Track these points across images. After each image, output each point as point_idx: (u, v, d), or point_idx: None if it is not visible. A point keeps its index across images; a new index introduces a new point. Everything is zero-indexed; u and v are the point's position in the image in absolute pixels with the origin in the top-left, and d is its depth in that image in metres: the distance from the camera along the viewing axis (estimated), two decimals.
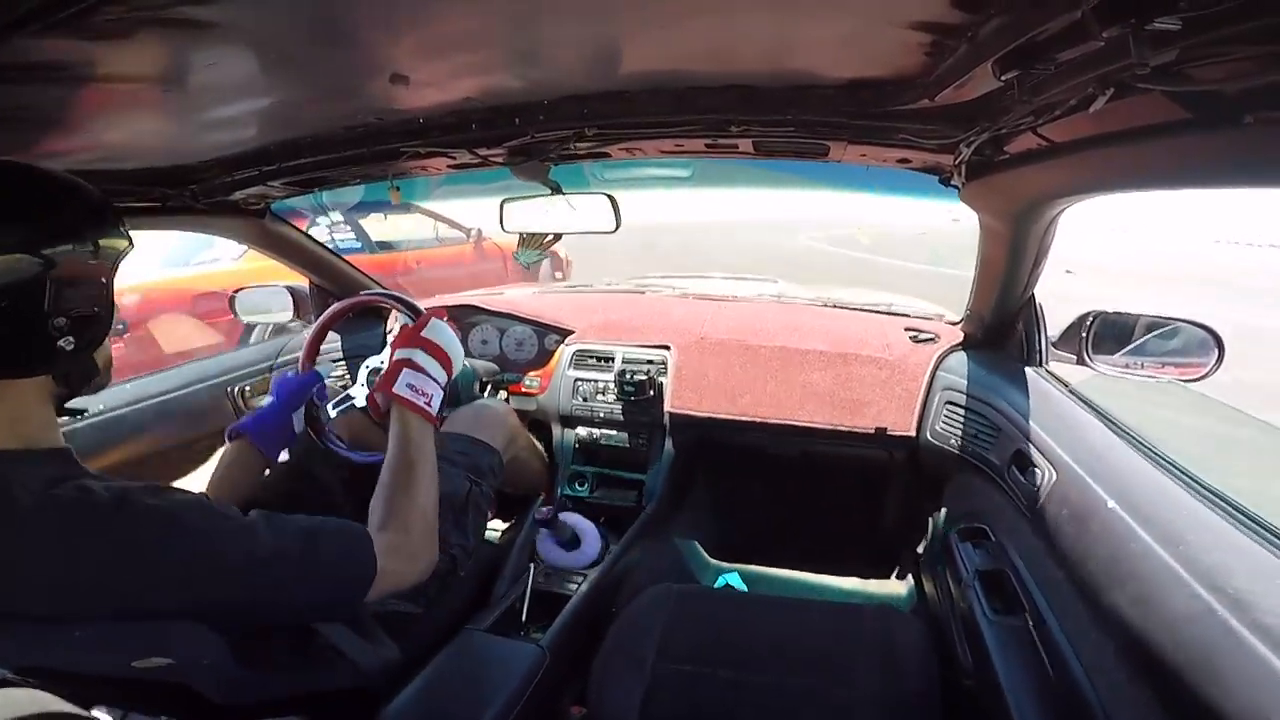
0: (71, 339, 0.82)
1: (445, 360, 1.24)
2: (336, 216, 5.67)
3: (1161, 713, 0.83)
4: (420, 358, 1.20)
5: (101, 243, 0.84)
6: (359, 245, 5.78)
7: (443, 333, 1.26)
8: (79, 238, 0.82)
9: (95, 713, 0.79)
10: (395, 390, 1.15)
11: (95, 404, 1.65)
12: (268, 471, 1.39)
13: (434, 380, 1.20)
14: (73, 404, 0.92)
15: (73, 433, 1.51)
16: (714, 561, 2.27)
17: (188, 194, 1.61)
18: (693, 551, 2.22)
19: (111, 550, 0.75)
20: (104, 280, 0.86)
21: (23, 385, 0.81)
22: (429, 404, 1.18)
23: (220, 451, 1.30)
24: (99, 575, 0.75)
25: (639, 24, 0.90)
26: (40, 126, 1.03)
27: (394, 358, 1.21)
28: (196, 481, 1.30)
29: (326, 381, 1.47)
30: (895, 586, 2.04)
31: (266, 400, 1.36)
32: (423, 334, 1.23)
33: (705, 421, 2.03)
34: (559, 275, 7.16)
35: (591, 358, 2.15)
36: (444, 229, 6.40)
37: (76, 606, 0.74)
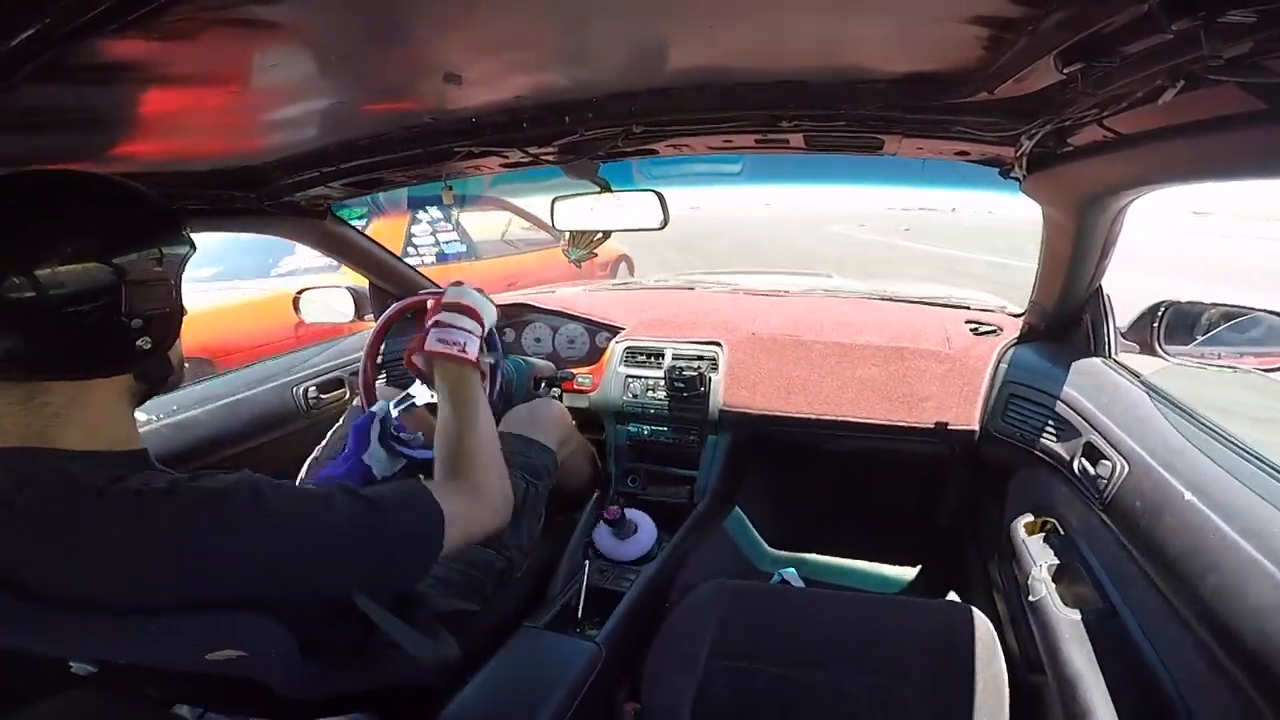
0: (149, 338, 0.85)
1: (472, 312, 1.27)
2: (436, 213, 5.45)
3: (1245, 704, 0.82)
4: (445, 316, 1.24)
5: (166, 246, 0.87)
6: (464, 248, 5.59)
7: (465, 293, 1.29)
8: (146, 242, 0.85)
9: (174, 711, 0.83)
10: (427, 347, 1.21)
11: (169, 405, 1.72)
12: None
13: (463, 330, 1.23)
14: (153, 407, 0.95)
15: (147, 435, 1.58)
16: (770, 555, 2.27)
17: (253, 196, 1.66)
18: (748, 546, 2.22)
19: (187, 540, 0.77)
20: (173, 280, 0.89)
21: (104, 386, 0.84)
22: (463, 350, 1.21)
23: None
24: (178, 565, 0.77)
25: (686, 21, 0.90)
26: (113, 129, 1.06)
27: (426, 326, 1.26)
28: None
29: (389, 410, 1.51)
30: (958, 581, 2.01)
31: (345, 454, 1.40)
32: (445, 299, 1.28)
33: (758, 418, 2.02)
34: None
35: (642, 354, 2.16)
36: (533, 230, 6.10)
37: (157, 597, 0.76)
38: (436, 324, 1.24)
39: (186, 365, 1.01)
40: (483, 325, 1.28)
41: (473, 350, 1.23)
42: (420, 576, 1.02)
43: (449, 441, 1.11)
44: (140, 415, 1.56)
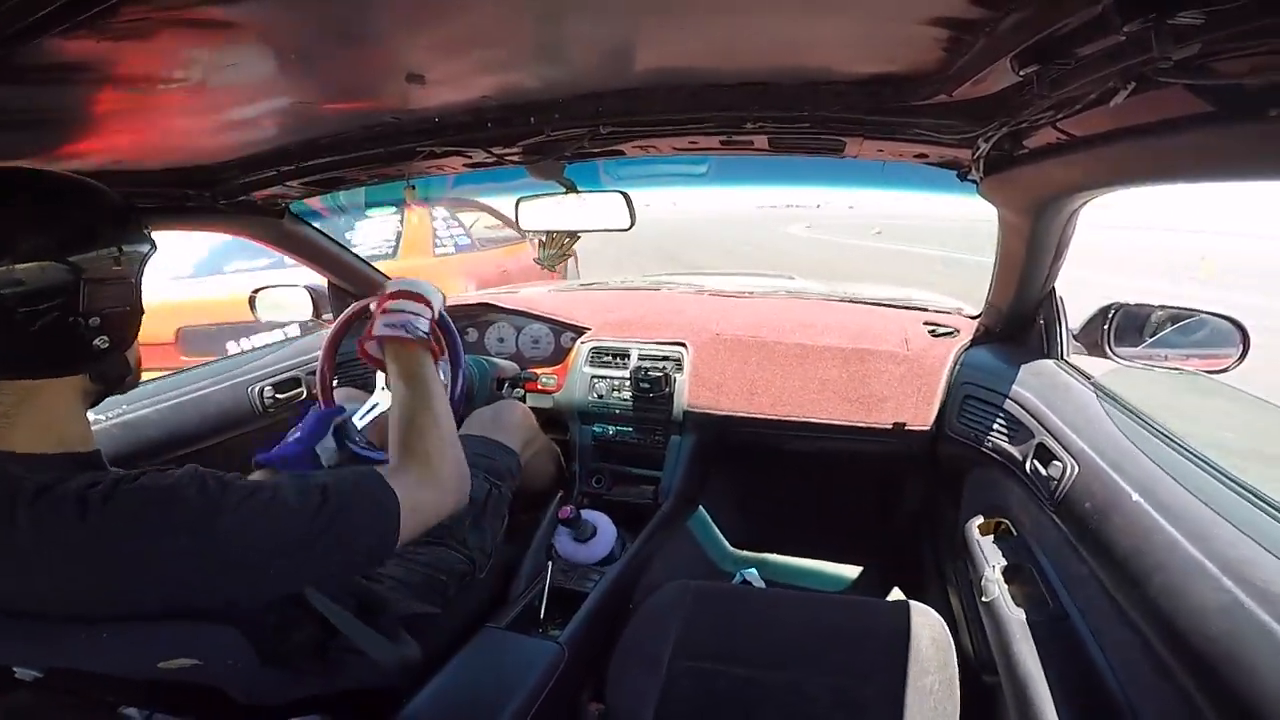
0: (106, 338, 0.83)
1: (416, 297, 1.24)
2: (443, 211, 5.58)
3: (1189, 706, 0.83)
4: (391, 304, 1.22)
5: (125, 244, 0.85)
6: (468, 241, 5.70)
7: (410, 282, 1.27)
8: (105, 240, 0.83)
9: (121, 712, 0.80)
10: (375, 332, 1.18)
11: (117, 403, 1.66)
12: None
13: (409, 313, 1.21)
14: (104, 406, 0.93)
15: (97, 434, 1.53)
16: (732, 555, 2.28)
17: (208, 195, 1.63)
18: (710, 547, 2.23)
19: (147, 543, 0.75)
20: (132, 279, 0.87)
21: (58, 386, 0.82)
22: (409, 331, 1.19)
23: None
24: (135, 566, 0.74)
25: (653, 22, 0.90)
26: (64, 127, 1.04)
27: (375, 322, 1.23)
28: None
29: (352, 408, 1.48)
30: (914, 580, 2.04)
31: (294, 435, 1.37)
32: (390, 289, 1.26)
33: (721, 419, 2.03)
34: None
35: (607, 354, 2.16)
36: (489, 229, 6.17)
37: (97, 603, 0.74)
38: (384, 312, 1.22)
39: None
40: (430, 308, 1.26)
41: (422, 329, 1.20)
42: (378, 563, 1.00)
43: (402, 423, 1.09)
44: (89, 414, 1.52)
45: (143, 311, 0.90)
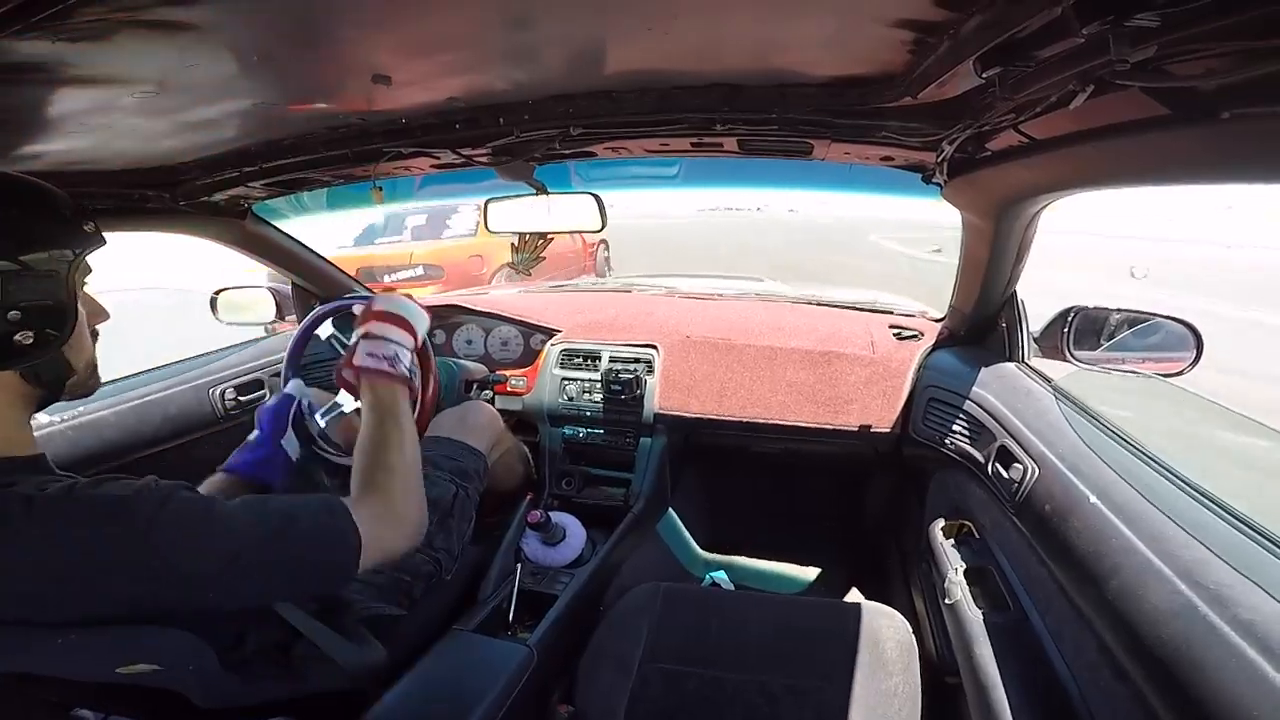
0: (29, 333, 0.80)
1: (403, 324, 1.23)
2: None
3: (1144, 707, 0.84)
4: (376, 328, 1.20)
5: (50, 236, 0.82)
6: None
7: (397, 303, 1.25)
8: (22, 232, 0.80)
9: (76, 714, 0.78)
10: (356, 363, 1.16)
11: (73, 405, 1.62)
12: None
13: (394, 343, 1.20)
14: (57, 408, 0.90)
15: (49, 436, 1.49)
16: (701, 558, 2.28)
17: (168, 196, 1.59)
18: (680, 549, 2.23)
19: (92, 549, 0.74)
20: (61, 273, 0.83)
21: None
22: (392, 365, 1.17)
23: (206, 483, 1.26)
24: (88, 576, 0.73)
25: (623, 23, 0.89)
26: (17, 127, 1.01)
27: (356, 340, 1.21)
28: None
29: (310, 396, 1.46)
30: (880, 582, 2.06)
31: (255, 436, 1.34)
32: (374, 308, 1.23)
33: (692, 421, 2.03)
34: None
35: (578, 357, 2.14)
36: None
37: (63, 609, 0.73)
38: (367, 335, 1.20)
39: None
40: (415, 337, 1.24)
41: (404, 365, 1.19)
42: (331, 591, 1.00)
43: (369, 457, 1.07)
44: (41, 416, 1.47)
45: (76, 310, 0.86)
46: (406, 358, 1.20)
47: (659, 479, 2.11)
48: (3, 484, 0.75)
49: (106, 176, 1.43)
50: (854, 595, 1.56)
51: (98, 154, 1.29)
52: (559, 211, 1.63)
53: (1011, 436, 1.38)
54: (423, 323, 1.28)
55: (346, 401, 1.48)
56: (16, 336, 0.79)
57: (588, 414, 2.12)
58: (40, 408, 0.88)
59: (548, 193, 1.59)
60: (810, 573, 2.23)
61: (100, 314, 0.95)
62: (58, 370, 0.87)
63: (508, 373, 2.18)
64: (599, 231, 1.64)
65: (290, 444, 1.35)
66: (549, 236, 1.78)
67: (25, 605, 0.72)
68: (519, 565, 1.63)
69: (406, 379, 1.19)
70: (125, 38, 0.71)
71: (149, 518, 0.77)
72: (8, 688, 0.72)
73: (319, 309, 1.60)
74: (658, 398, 2.05)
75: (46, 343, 0.82)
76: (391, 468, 1.06)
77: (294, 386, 1.44)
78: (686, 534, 2.26)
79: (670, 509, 2.22)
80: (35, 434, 0.87)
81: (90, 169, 1.37)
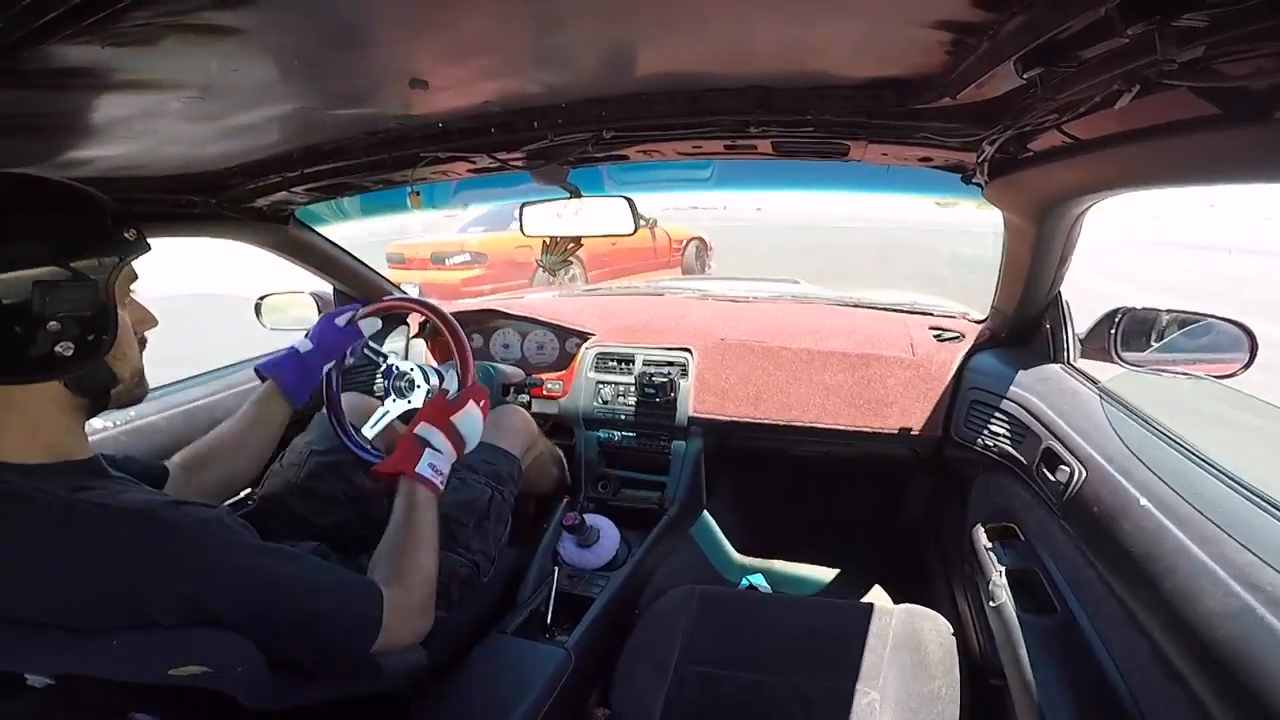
0: (69, 344, 0.79)
1: (460, 444, 1.25)
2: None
3: (1199, 709, 0.82)
4: (439, 440, 1.21)
5: (90, 246, 0.83)
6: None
7: (469, 422, 1.26)
8: (64, 242, 0.80)
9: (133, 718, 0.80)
10: (418, 471, 1.17)
11: (126, 412, 1.66)
12: (298, 460, 1.41)
13: (448, 459, 1.22)
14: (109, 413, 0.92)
15: (101, 441, 1.53)
16: (736, 562, 2.27)
17: (214, 201, 1.63)
18: (715, 553, 2.22)
19: (125, 560, 0.76)
20: (100, 281, 0.83)
21: (34, 393, 0.80)
22: (442, 481, 1.20)
23: (251, 398, 1.32)
24: (111, 584, 0.75)
25: (656, 27, 0.90)
26: (69, 134, 1.03)
27: (415, 432, 1.22)
28: (219, 429, 1.31)
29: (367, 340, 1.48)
30: (921, 586, 2.03)
31: (302, 344, 1.36)
32: (453, 420, 1.24)
33: (727, 424, 2.03)
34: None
35: (612, 360, 2.15)
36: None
37: (97, 615, 0.74)
38: (430, 447, 1.20)
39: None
40: (460, 455, 1.26)
41: (445, 474, 1.21)
42: (333, 664, 1.01)
43: (394, 550, 1.09)
44: (95, 422, 1.52)
45: (118, 319, 0.86)
46: (447, 470, 1.22)
47: (694, 482, 2.11)
48: (75, 487, 0.78)
49: (154, 182, 1.47)
50: (895, 599, 1.54)
51: (145, 160, 1.32)
52: (592, 215, 1.64)
53: (1057, 438, 1.35)
54: (473, 443, 1.29)
55: (393, 409, 1.50)
56: (57, 348, 0.79)
57: (622, 417, 2.13)
58: (90, 415, 0.90)
59: (581, 196, 1.60)
60: (849, 576, 2.21)
61: (148, 320, 0.96)
62: (100, 380, 0.88)
63: (544, 376, 2.20)
64: (630, 235, 1.64)
65: (329, 372, 1.39)
66: (579, 240, 1.79)
67: (66, 609, 0.74)
68: (556, 568, 1.64)
69: (441, 490, 1.21)
70: (171, 42, 0.72)
71: (189, 536, 0.80)
72: (66, 691, 0.74)
73: (361, 310, 1.60)
74: (692, 401, 2.05)
75: (87, 353, 0.82)
76: (419, 568, 1.08)
77: (368, 323, 1.46)
78: (722, 537, 2.26)
79: (705, 512, 2.21)
80: (101, 436, 0.89)
81: (138, 174, 1.40)
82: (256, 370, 1.32)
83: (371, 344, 1.57)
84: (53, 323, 0.77)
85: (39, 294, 0.76)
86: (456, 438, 1.24)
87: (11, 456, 0.78)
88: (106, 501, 0.78)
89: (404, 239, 7.77)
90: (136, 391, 0.95)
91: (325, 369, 1.41)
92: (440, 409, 1.25)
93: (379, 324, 1.48)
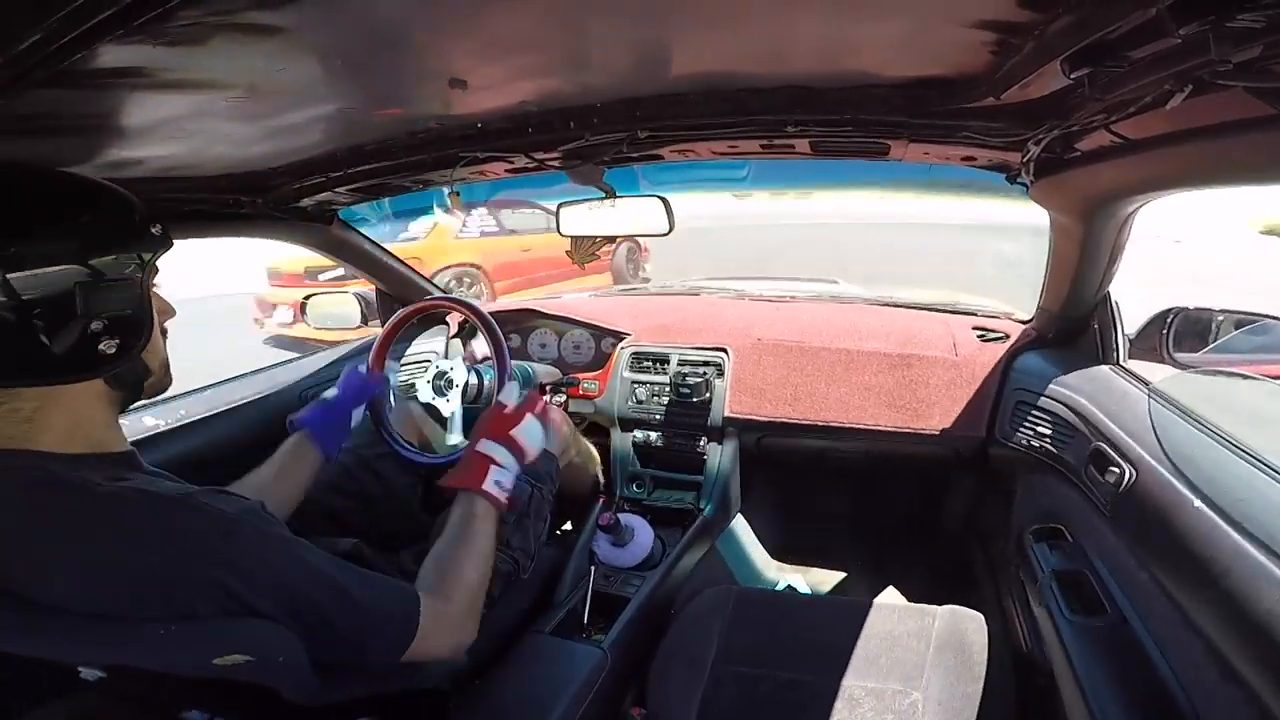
0: (114, 341, 0.81)
1: (523, 455, 1.24)
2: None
3: (1258, 708, 0.81)
4: (502, 454, 1.21)
5: (129, 245, 0.84)
6: (495, 229, 7.60)
7: (530, 432, 1.26)
8: (114, 244, 0.82)
9: (184, 715, 0.82)
10: (485, 489, 1.16)
11: (175, 413, 1.71)
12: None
13: (512, 473, 1.21)
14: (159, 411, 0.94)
15: (150, 439, 1.57)
16: (773, 563, 2.26)
17: (260, 201, 1.66)
18: (751, 554, 2.21)
19: (169, 548, 0.77)
20: (138, 281, 0.85)
21: (76, 390, 0.82)
22: (506, 496, 1.19)
23: (283, 445, 1.32)
24: (153, 570, 0.76)
25: (692, 26, 0.90)
26: (115, 133, 1.05)
27: (478, 447, 1.21)
28: (254, 473, 1.32)
29: (393, 384, 1.50)
30: (966, 587, 2.00)
31: (331, 393, 1.38)
32: (513, 433, 1.24)
33: (763, 424, 2.02)
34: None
35: (648, 360, 2.16)
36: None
37: (140, 605, 0.75)
38: (495, 463, 1.19)
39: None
40: (521, 463, 1.25)
41: (509, 490, 1.20)
42: (373, 666, 1.01)
43: (443, 559, 1.09)
44: (147, 419, 1.57)
45: (153, 316, 0.88)
46: (510, 486, 1.21)
47: (729, 483, 2.10)
48: (115, 476, 0.80)
49: (202, 182, 1.49)
50: (937, 600, 1.52)
51: (193, 160, 1.34)
52: (627, 214, 1.65)
53: (1107, 439, 1.33)
54: (535, 453, 1.28)
55: (422, 391, 1.51)
56: (101, 345, 0.81)
57: (657, 417, 2.13)
58: (124, 408, 0.92)
59: (616, 196, 1.60)
60: (888, 578, 2.19)
61: (168, 312, 0.98)
62: (137, 373, 0.91)
63: (580, 375, 2.21)
64: (666, 234, 1.64)
65: (358, 418, 1.40)
66: (608, 238, 1.81)
67: (121, 597, 0.74)
68: (592, 568, 1.65)
69: (505, 506, 1.20)
70: (218, 42, 0.74)
71: (226, 524, 0.80)
72: (118, 685, 0.76)
73: (401, 311, 1.62)
74: (728, 401, 2.04)
75: (129, 349, 0.84)
76: (464, 577, 1.07)
77: (389, 369, 1.47)
78: (758, 539, 2.25)
79: (741, 514, 2.21)
80: (138, 436, 0.92)
81: (187, 174, 1.42)
82: (289, 423, 1.33)
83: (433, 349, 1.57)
84: (97, 322, 0.79)
85: (84, 294, 0.78)
86: (519, 449, 1.24)
87: (51, 447, 0.80)
88: (150, 489, 0.80)
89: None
90: (165, 381, 0.98)
91: (353, 414, 1.41)
92: (501, 422, 1.25)
93: (398, 365, 1.49)
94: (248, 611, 0.79)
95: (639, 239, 8.20)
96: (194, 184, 1.48)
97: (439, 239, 7.19)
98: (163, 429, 1.64)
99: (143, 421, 1.56)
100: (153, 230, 0.88)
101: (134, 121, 1.01)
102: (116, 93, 0.85)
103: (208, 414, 1.77)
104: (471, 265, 7.25)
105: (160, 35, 0.68)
